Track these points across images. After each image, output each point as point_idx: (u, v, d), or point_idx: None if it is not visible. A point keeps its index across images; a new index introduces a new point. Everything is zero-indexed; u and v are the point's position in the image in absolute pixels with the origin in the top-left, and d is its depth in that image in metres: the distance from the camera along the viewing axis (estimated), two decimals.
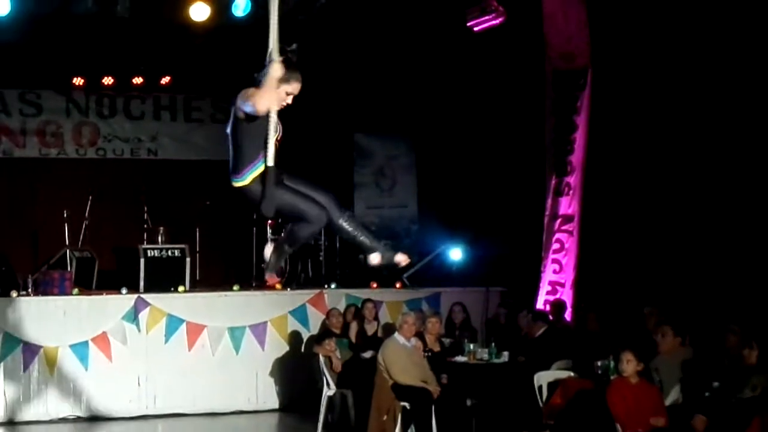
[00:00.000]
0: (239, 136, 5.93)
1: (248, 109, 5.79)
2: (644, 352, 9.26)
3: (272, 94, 5.77)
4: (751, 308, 10.86)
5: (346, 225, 6.13)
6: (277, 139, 5.93)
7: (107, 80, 16.53)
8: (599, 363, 10.06)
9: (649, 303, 11.42)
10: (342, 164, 16.76)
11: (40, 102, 16.78)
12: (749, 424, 8.09)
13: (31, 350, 12.83)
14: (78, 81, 16.48)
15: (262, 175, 5.93)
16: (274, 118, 5.87)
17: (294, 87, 5.93)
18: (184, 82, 16.83)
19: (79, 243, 14.75)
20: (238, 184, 6.02)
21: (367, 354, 12.04)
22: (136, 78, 16.61)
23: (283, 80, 5.85)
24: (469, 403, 11.20)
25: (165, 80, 16.71)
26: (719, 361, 9.32)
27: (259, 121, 5.83)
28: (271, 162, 5.90)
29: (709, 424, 8.54)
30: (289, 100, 5.97)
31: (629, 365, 9.04)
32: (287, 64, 5.86)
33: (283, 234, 6.32)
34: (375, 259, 6.20)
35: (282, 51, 5.86)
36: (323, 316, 13.36)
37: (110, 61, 16.05)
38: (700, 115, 12.44)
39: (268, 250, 6.36)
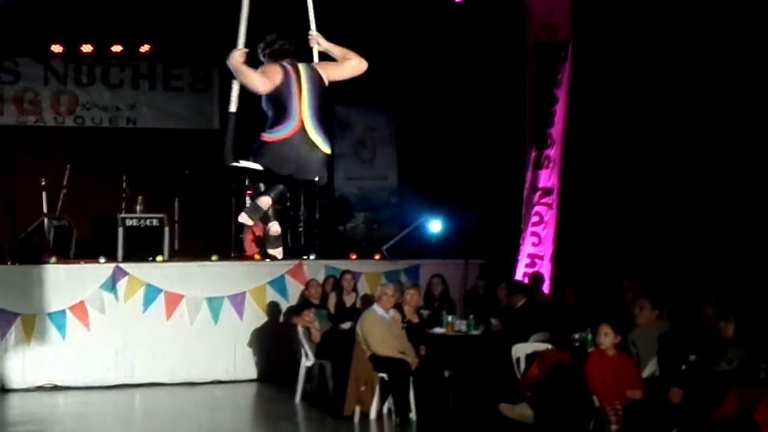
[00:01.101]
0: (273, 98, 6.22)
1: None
2: (622, 325, 9.29)
3: (254, 77, 6.09)
4: (728, 281, 10.92)
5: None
6: None
7: (86, 48, 16.39)
8: (577, 335, 10.10)
9: (627, 276, 11.46)
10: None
11: (18, 69, 16.63)
12: (725, 396, 8.12)
13: (8, 318, 12.81)
14: (56, 48, 16.34)
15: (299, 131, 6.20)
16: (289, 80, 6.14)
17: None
18: (164, 51, 16.71)
19: (57, 211, 14.66)
20: (278, 136, 6.21)
21: (346, 325, 12.06)
22: (115, 46, 16.47)
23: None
24: (447, 374, 11.23)
25: (144, 48, 16.59)
26: (696, 334, 9.36)
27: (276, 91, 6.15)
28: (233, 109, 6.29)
29: (686, 396, 8.58)
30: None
31: (607, 338, 9.07)
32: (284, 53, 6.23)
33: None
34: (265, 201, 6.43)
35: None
36: (302, 287, 13.36)
37: (89, 28, 15.92)
38: (679, 89, 12.46)
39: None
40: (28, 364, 12.90)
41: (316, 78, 6.26)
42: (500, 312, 12.08)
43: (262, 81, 6.13)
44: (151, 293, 13.31)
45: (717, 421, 8.12)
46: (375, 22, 15.02)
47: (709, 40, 11.96)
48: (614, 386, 8.91)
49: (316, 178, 6.31)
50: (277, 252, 6.63)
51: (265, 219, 6.56)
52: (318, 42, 6.42)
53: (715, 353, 8.71)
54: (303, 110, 6.17)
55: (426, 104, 16.24)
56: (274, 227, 6.53)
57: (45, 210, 14.50)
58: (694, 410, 8.43)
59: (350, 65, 6.38)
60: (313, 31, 6.44)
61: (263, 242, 14.20)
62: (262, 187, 6.37)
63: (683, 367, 8.90)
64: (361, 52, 6.30)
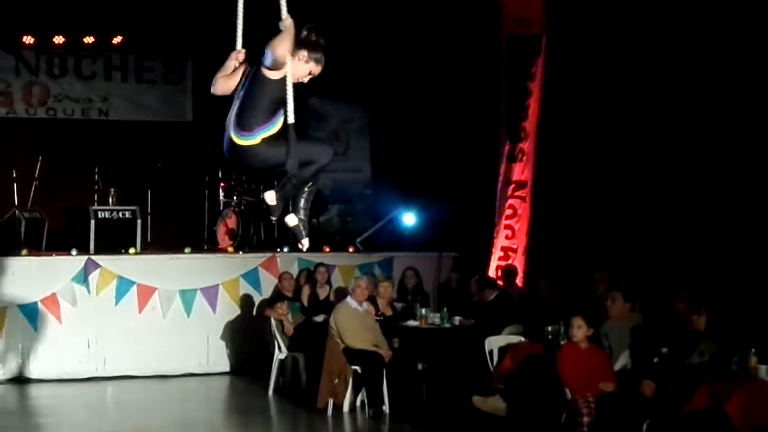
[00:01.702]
0: (258, 94, 5.91)
1: (268, 60, 5.82)
2: (594, 318, 9.32)
3: (287, 42, 5.81)
4: (700, 275, 10.97)
5: (307, 176, 6.12)
6: None
7: (58, 39, 16.28)
8: (549, 328, 10.12)
9: (599, 269, 11.50)
10: (296, 128, 16.66)
11: None
12: (697, 389, 8.17)
13: None
14: (28, 40, 16.22)
15: (276, 136, 5.96)
16: (290, 80, 5.88)
17: (315, 69, 6.00)
18: (136, 42, 16.63)
19: (29, 203, 14.58)
20: (246, 142, 5.95)
21: (319, 318, 12.06)
22: (88, 37, 16.37)
23: (311, 59, 5.95)
24: (420, 367, 11.25)
25: (117, 40, 16.49)
26: (668, 327, 9.41)
27: (277, 82, 5.85)
28: (291, 120, 5.92)
29: (658, 389, 8.62)
30: (306, 79, 6.02)
31: (579, 330, 9.10)
32: (315, 45, 5.94)
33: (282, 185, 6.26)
34: (292, 220, 6.26)
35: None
36: (275, 280, 13.34)
37: (61, 19, 15.82)
38: (653, 82, 12.50)
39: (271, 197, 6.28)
40: None
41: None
42: (473, 305, 12.10)
43: None
44: (124, 286, 13.26)
45: (689, 414, 8.17)
46: (350, 14, 15.00)
47: (683, 35, 12.01)
48: (586, 379, 8.94)
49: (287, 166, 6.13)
50: (302, 243, 6.51)
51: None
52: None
53: (687, 346, 8.76)
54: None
55: (400, 97, 16.23)
56: (289, 219, 6.42)
57: (16, 202, 14.42)
58: (665, 403, 8.47)
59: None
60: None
61: (236, 235, 14.26)
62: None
63: (655, 359, 8.95)
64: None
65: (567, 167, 13.65)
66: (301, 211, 6.26)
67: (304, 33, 5.93)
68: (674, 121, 12.24)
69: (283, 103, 5.90)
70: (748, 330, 8.84)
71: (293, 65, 5.88)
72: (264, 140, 5.95)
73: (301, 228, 6.26)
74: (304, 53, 5.92)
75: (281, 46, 5.78)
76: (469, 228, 14.52)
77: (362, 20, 15.23)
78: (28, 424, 11.09)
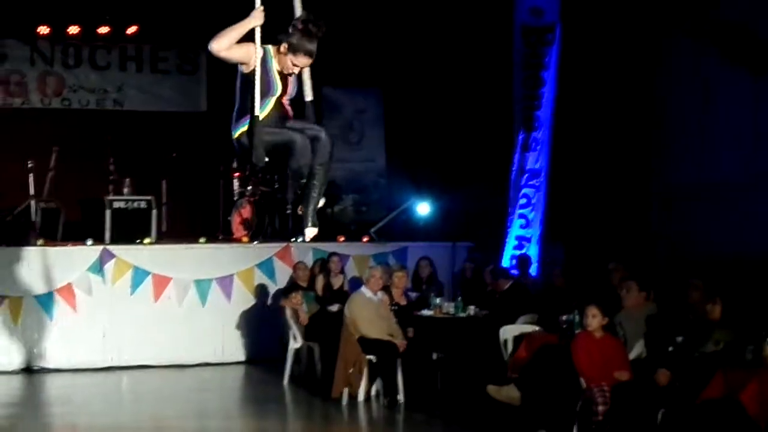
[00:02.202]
0: (241, 89, 6.00)
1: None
2: (609, 307, 9.31)
3: (226, 38, 5.80)
4: (714, 264, 10.96)
5: (314, 173, 6.10)
6: (279, 97, 6.01)
7: (73, 29, 16.32)
8: (564, 317, 10.11)
9: (614, 258, 11.49)
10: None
11: (5, 51, 16.54)
12: (712, 378, 8.16)
13: None
14: (43, 30, 16.26)
15: (249, 131, 5.96)
16: (258, 72, 5.88)
17: (299, 60, 5.96)
18: (151, 33, 16.65)
19: (44, 194, 14.61)
20: (233, 135, 6.05)
21: (334, 307, 12.06)
22: (102, 27, 16.40)
23: (293, 51, 5.91)
24: (434, 356, 11.24)
25: (131, 30, 16.52)
26: (683, 316, 9.40)
27: (251, 75, 5.88)
28: (257, 112, 5.91)
29: (673, 378, 8.62)
30: (295, 70, 6.01)
31: (594, 320, 9.08)
32: (304, 33, 5.90)
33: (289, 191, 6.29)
34: (309, 233, 6.22)
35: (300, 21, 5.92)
36: (290, 270, 13.35)
37: (76, 10, 15.84)
38: (665, 70, 12.49)
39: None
40: (15, 346, 12.88)
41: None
42: (487, 295, 12.10)
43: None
44: (139, 275, 13.29)
45: (703, 402, 8.16)
46: (364, 2, 14.99)
47: (691, 21, 12.00)
48: (601, 368, 8.93)
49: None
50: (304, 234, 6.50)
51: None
52: None
53: (701, 335, 8.75)
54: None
55: (414, 87, 16.22)
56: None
57: (32, 192, 14.45)
58: (680, 391, 8.47)
59: None
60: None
61: (251, 225, 14.28)
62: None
63: (670, 348, 8.94)
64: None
65: (581, 156, 13.65)
66: (310, 201, 6.21)
67: (295, 24, 5.91)
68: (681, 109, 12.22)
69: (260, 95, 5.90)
70: (762, 319, 8.82)
71: (280, 58, 5.94)
72: (242, 134, 5.98)
73: (308, 216, 6.22)
74: (284, 45, 5.92)
75: (215, 42, 5.79)
76: (483, 217, 14.52)
77: (377, 9, 15.21)
78: (44, 413, 11.15)
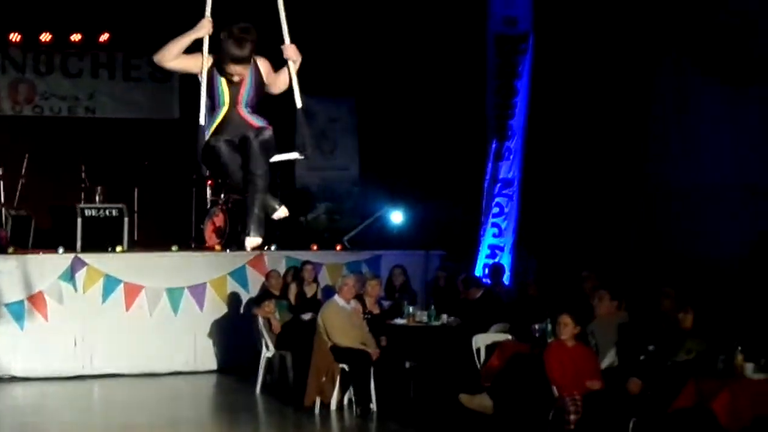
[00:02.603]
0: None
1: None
2: (581, 316, 9.34)
3: (174, 49, 5.86)
4: (687, 273, 11.00)
5: (249, 180, 6.00)
6: (231, 107, 5.96)
7: (45, 36, 16.24)
8: (537, 326, 10.13)
9: (586, 267, 11.52)
10: (283, 126, 16.63)
11: None
12: (683, 387, 8.19)
13: None
14: (15, 37, 16.17)
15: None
16: (203, 80, 5.89)
17: (231, 68, 5.88)
18: (123, 40, 16.58)
19: (15, 201, 14.54)
20: (203, 139, 6.01)
21: (307, 316, 12.05)
22: (75, 35, 16.34)
23: (222, 58, 5.84)
24: (407, 365, 11.25)
25: (104, 38, 16.47)
26: (655, 324, 9.43)
27: (205, 81, 5.89)
28: (201, 122, 5.90)
29: (644, 387, 8.65)
30: (235, 78, 5.93)
31: (566, 328, 9.10)
32: (232, 39, 5.80)
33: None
34: (249, 243, 6.17)
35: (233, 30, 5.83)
36: (263, 278, 13.33)
37: (48, 17, 15.76)
38: (641, 79, 12.55)
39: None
40: None
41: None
42: (460, 303, 12.11)
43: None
44: (111, 284, 13.23)
45: (675, 412, 8.19)
46: (337, 11, 15.00)
47: (666, 31, 12.06)
48: (573, 376, 8.96)
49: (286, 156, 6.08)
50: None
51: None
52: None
53: (673, 344, 8.79)
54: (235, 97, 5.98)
55: (387, 95, 16.23)
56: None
57: (2, 200, 14.37)
58: (652, 400, 8.50)
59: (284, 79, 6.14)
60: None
61: (223, 233, 14.24)
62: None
63: (642, 357, 8.96)
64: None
65: (554, 165, 13.69)
66: (249, 211, 6.16)
67: (225, 31, 5.85)
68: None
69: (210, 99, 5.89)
70: (734, 328, 8.87)
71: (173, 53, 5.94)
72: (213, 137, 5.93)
73: (248, 225, 6.17)
74: (213, 55, 5.88)
75: (158, 53, 5.91)
76: (456, 226, 14.54)
77: (350, 19, 15.22)
78: (15, 422, 11.05)
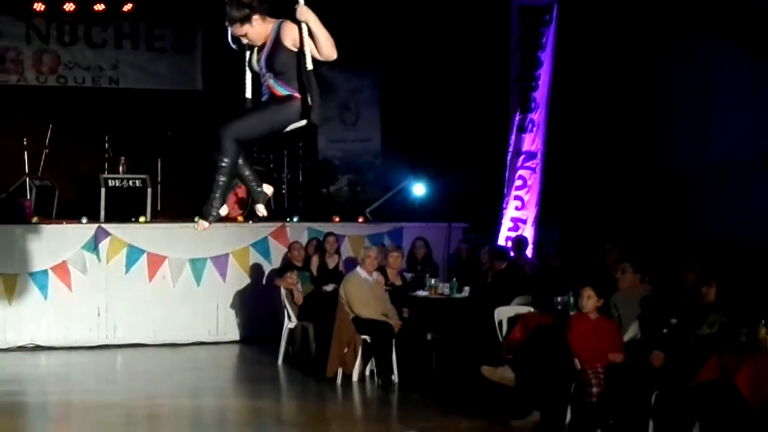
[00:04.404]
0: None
1: None
2: (604, 289, 9.30)
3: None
4: (710, 247, 10.95)
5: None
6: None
7: (68, 6, 16.26)
8: (559, 299, 10.09)
9: (610, 240, 11.48)
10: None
11: (0, 28, 16.48)
12: (706, 360, 8.16)
13: None
14: (39, 7, 16.20)
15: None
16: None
17: (234, 29, 5.83)
18: (147, 10, 16.58)
19: (39, 171, 14.60)
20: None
21: (329, 287, 12.06)
22: (98, 5, 16.35)
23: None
24: (429, 337, 11.26)
25: (127, 7, 16.46)
26: (678, 298, 9.39)
27: None
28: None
29: (667, 360, 8.62)
30: (244, 40, 5.90)
31: (589, 301, 9.08)
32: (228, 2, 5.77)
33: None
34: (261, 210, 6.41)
35: None
36: (285, 249, 13.35)
37: None
38: (664, 51, 12.46)
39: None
40: (10, 324, 12.89)
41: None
42: (482, 275, 12.10)
43: None
44: (134, 254, 13.29)
45: (697, 385, 8.16)
46: None
47: (690, 3, 11.97)
48: (596, 349, 8.94)
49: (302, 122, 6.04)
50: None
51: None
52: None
53: (696, 317, 8.75)
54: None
55: (410, 67, 16.18)
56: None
57: (27, 170, 14.43)
58: (675, 374, 8.47)
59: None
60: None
61: (246, 204, 14.25)
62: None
63: (665, 330, 8.93)
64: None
65: (578, 138, 13.62)
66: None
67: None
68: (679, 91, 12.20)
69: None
70: (757, 301, 8.82)
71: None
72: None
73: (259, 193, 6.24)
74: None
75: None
76: (478, 198, 14.51)
77: None
78: (39, 391, 11.14)
